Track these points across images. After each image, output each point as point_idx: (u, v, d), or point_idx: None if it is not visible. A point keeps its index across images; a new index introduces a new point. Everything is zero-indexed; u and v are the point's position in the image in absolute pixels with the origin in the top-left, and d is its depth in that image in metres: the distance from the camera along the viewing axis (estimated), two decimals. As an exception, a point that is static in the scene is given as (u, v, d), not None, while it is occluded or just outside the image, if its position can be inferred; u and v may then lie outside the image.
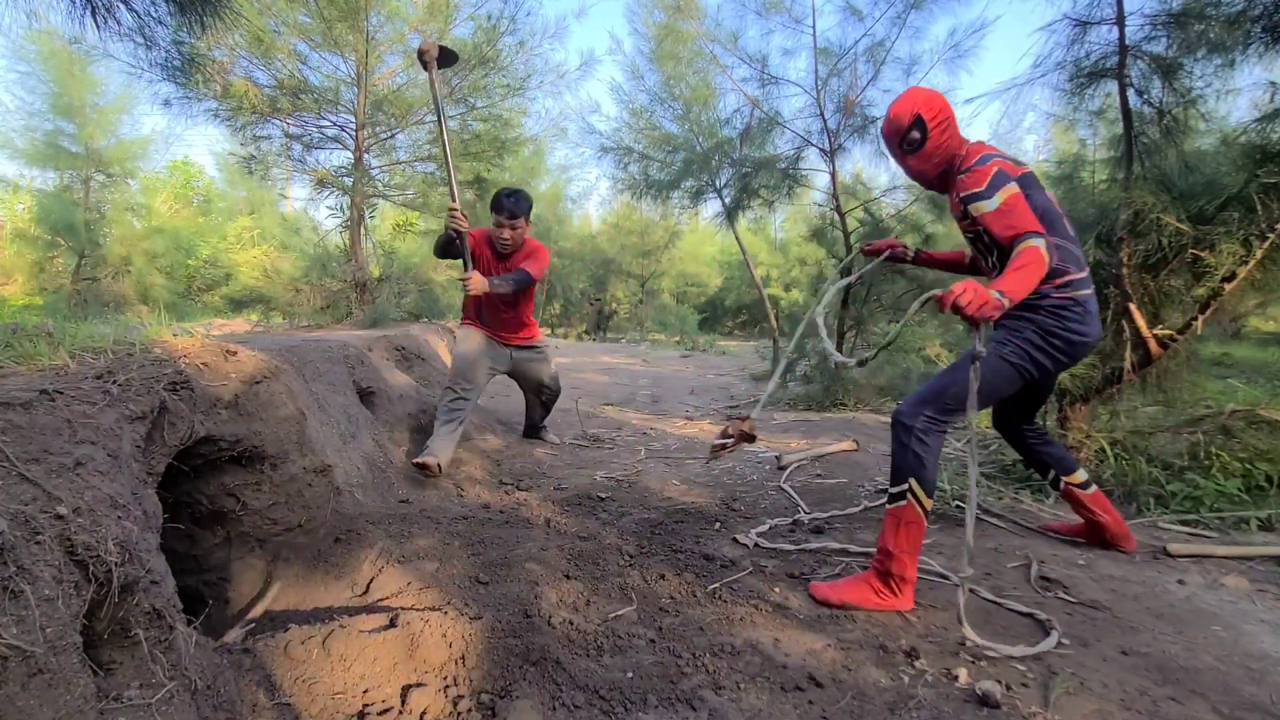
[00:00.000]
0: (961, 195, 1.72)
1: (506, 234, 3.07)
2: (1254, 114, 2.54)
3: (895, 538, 1.69)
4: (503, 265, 3.18)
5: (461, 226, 2.85)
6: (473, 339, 3.23)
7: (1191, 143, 2.86)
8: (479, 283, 2.82)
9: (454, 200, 2.86)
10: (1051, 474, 2.09)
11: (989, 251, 1.86)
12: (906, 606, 1.70)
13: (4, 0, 2.00)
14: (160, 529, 1.37)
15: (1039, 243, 1.58)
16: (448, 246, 2.96)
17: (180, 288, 13.96)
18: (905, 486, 1.69)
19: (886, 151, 1.89)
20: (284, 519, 1.97)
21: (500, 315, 3.29)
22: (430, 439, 2.95)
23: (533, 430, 3.89)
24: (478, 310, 3.29)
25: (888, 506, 1.73)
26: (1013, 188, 1.66)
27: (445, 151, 2.88)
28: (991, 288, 1.50)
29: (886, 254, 2.21)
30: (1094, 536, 2.15)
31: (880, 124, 1.86)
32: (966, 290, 1.45)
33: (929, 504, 1.69)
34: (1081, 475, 2.07)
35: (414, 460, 2.80)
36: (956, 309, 1.47)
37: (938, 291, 1.53)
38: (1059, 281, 1.75)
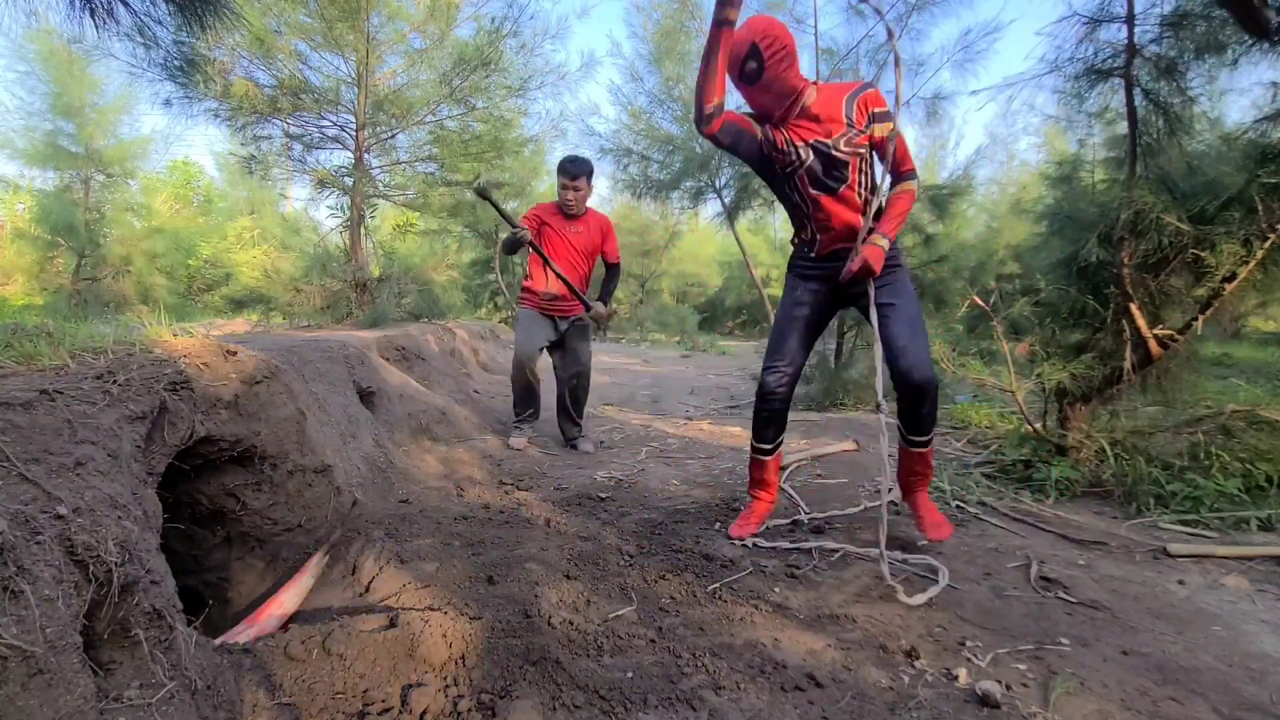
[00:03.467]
0: (877, 110, 1.90)
1: (570, 195, 3.35)
2: (1254, 114, 2.54)
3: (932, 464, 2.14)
4: (570, 225, 3.45)
5: (526, 235, 3.24)
6: (534, 321, 3.56)
7: (1193, 143, 2.86)
8: (602, 313, 3.46)
9: (515, 226, 3.26)
10: (781, 438, 2.24)
11: (835, 183, 1.97)
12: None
13: (4, 0, 2.00)
14: (160, 529, 1.37)
15: (915, 185, 1.91)
16: (515, 245, 3.29)
17: (180, 288, 13.97)
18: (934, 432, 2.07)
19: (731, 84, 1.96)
20: (284, 519, 1.97)
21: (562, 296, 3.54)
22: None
23: (569, 438, 3.78)
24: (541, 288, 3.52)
25: (925, 450, 2.07)
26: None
27: (503, 214, 3.31)
28: (879, 232, 1.90)
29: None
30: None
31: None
32: (867, 259, 1.87)
33: None
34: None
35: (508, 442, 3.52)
36: (867, 274, 1.90)
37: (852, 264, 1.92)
38: None
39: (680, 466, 3.32)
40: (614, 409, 5.16)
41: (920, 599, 1.71)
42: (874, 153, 2.00)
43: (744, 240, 9.56)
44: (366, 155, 6.27)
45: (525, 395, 3.72)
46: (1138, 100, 2.69)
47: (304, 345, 2.85)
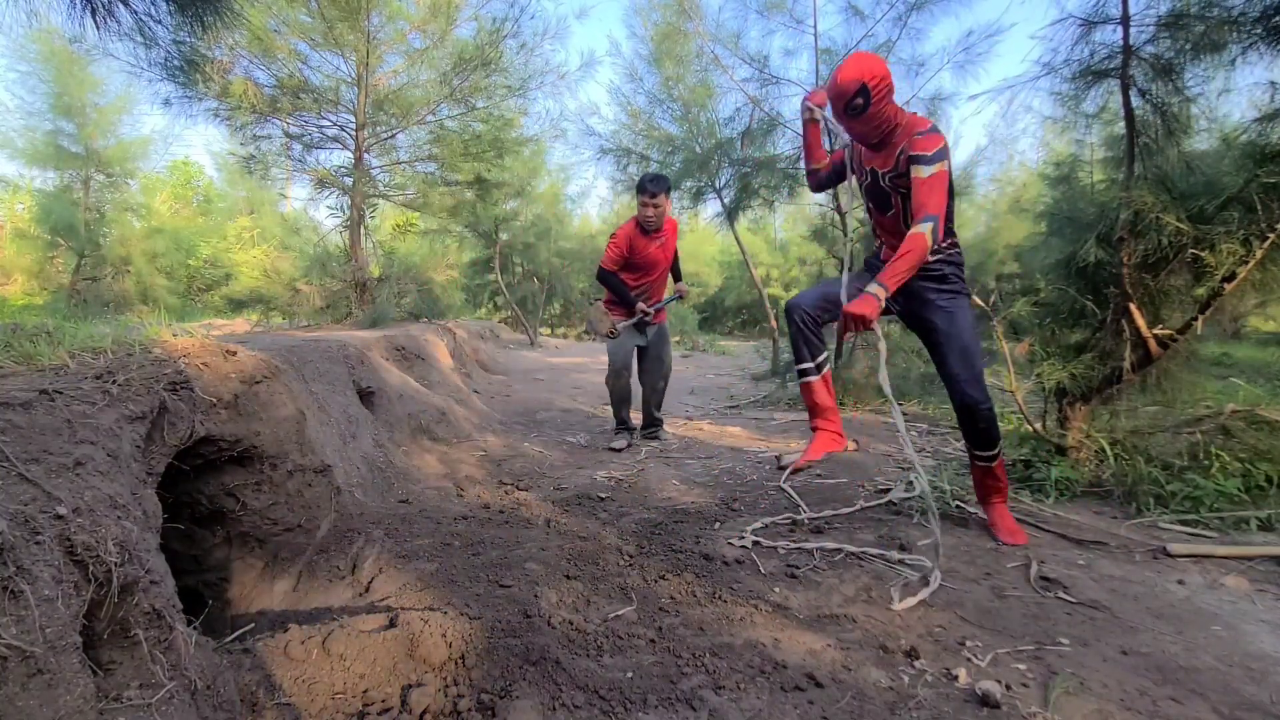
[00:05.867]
0: (912, 154, 1.96)
1: (650, 211, 3.55)
2: (1254, 114, 2.54)
3: (1005, 475, 2.26)
4: (652, 241, 3.65)
5: (650, 314, 3.68)
6: (625, 335, 3.80)
7: (1192, 143, 2.86)
8: (684, 290, 3.91)
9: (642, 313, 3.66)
10: (822, 356, 2.24)
11: (884, 207, 2.15)
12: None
13: (4, 0, 2.00)
14: (160, 529, 1.37)
15: (927, 229, 1.91)
16: (642, 324, 3.78)
17: (180, 288, 13.96)
18: (999, 448, 2.18)
19: (830, 112, 2.10)
20: (284, 519, 1.97)
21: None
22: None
23: (649, 427, 4.04)
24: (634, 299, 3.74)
25: (991, 464, 2.19)
26: (946, 165, 1.94)
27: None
28: (877, 280, 1.92)
29: (807, 115, 2.41)
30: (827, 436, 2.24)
31: (827, 86, 2.00)
32: (848, 320, 1.91)
33: None
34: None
35: (609, 446, 3.73)
36: (854, 334, 1.96)
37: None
38: (950, 241, 2.15)
39: (680, 466, 3.32)
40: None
41: (910, 603, 1.73)
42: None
43: (744, 240, 9.56)
44: (366, 155, 6.27)
45: (623, 399, 3.92)
46: (1135, 101, 2.69)
47: (304, 345, 2.85)
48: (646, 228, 3.60)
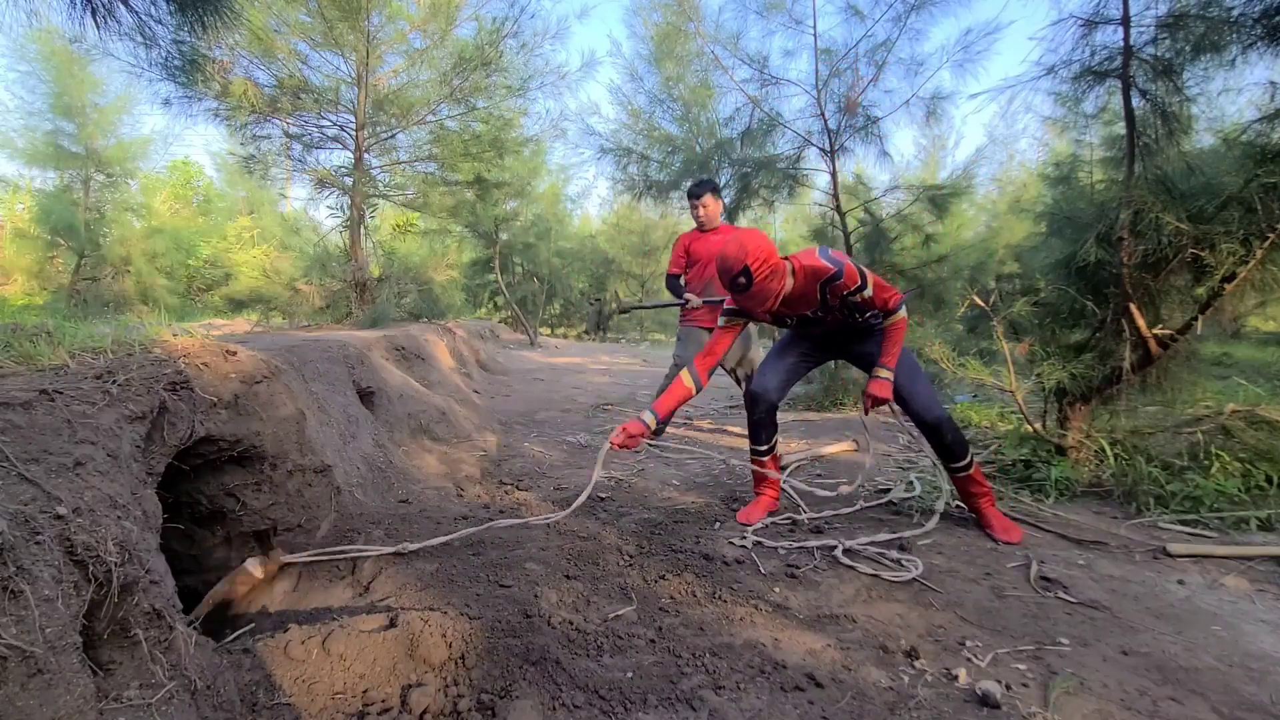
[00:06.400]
0: (846, 294, 2.13)
1: (700, 211, 3.82)
2: (1254, 114, 2.54)
3: (985, 480, 2.35)
4: (711, 237, 3.86)
5: (696, 303, 3.82)
6: (692, 335, 3.97)
7: (1192, 143, 2.86)
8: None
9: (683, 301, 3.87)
10: (774, 440, 2.50)
11: (834, 319, 2.28)
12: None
13: (4, 0, 2.00)
14: (160, 529, 1.36)
15: (903, 313, 2.21)
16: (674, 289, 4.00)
17: (180, 288, 13.96)
18: (970, 455, 2.30)
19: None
20: (284, 519, 1.97)
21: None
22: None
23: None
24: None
25: (970, 473, 2.29)
26: (855, 273, 2.10)
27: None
28: (881, 365, 2.23)
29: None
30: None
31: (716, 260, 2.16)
32: (871, 401, 2.25)
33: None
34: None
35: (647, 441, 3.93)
36: (876, 407, 2.27)
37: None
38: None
39: (680, 466, 3.33)
40: (614, 409, 5.15)
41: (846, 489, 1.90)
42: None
43: (744, 240, 9.55)
44: (366, 155, 6.26)
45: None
46: (1135, 101, 2.69)
47: (304, 345, 2.85)
48: (701, 228, 3.91)
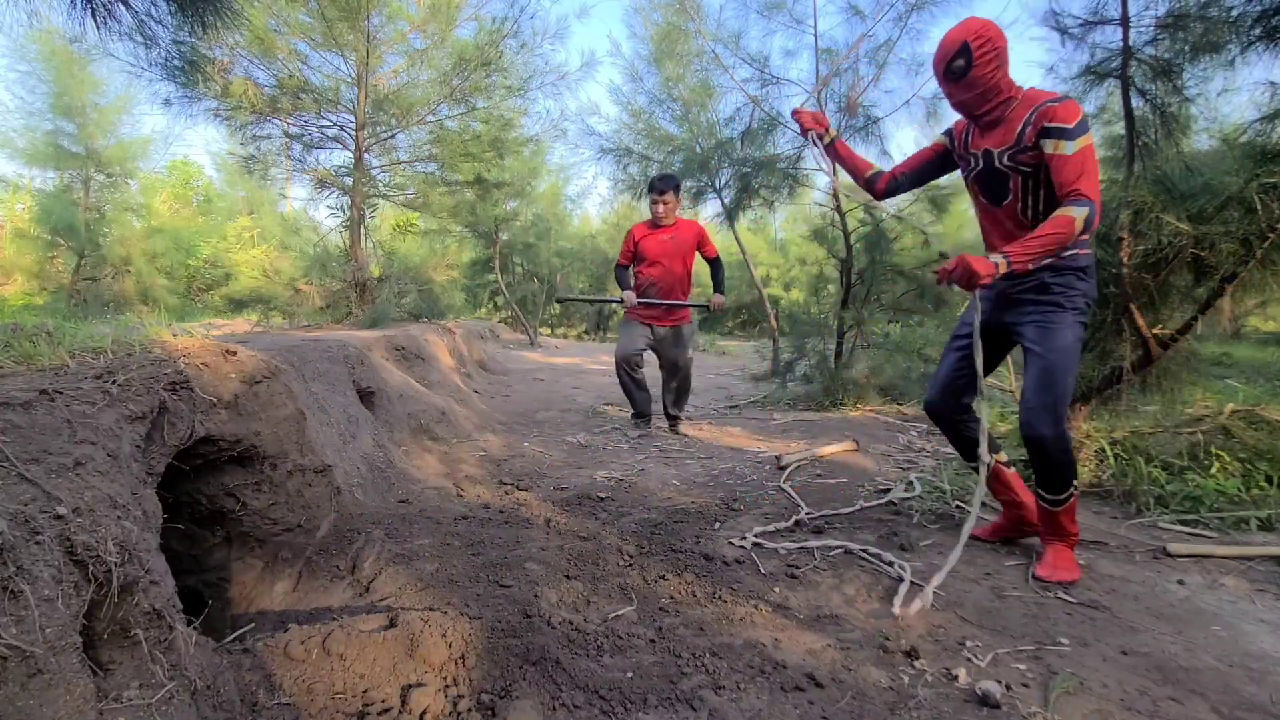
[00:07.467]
0: (1047, 124, 1.69)
1: (660, 207, 3.88)
2: (1254, 114, 2.54)
3: (1075, 524, 1.92)
4: (660, 232, 3.96)
5: (631, 301, 3.93)
6: (632, 329, 4.06)
7: (1191, 143, 2.86)
8: (720, 303, 3.99)
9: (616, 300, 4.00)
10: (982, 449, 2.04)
11: (999, 195, 1.86)
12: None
13: (4, 0, 2.00)
14: (160, 529, 1.37)
15: (1080, 214, 1.63)
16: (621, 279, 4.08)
17: (180, 288, 13.95)
18: (1070, 492, 1.87)
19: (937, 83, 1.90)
20: (284, 519, 1.97)
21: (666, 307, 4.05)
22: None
23: (670, 419, 4.26)
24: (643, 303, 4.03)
25: (1054, 510, 1.88)
26: (1091, 138, 1.68)
27: None
28: (1000, 250, 1.68)
29: (810, 133, 2.25)
30: (1014, 526, 2.14)
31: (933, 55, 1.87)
32: (957, 268, 1.70)
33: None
34: (1005, 455, 2.13)
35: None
36: (951, 282, 1.73)
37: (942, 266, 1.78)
38: (1085, 238, 1.76)
39: (680, 466, 3.33)
40: (614, 408, 5.15)
41: (914, 608, 1.63)
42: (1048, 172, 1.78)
43: (744, 240, 9.57)
44: (366, 155, 6.27)
45: (628, 392, 4.14)
46: (1135, 101, 2.69)
47: (304, 345, 2.85)
48: (657, 222, 3.95)
